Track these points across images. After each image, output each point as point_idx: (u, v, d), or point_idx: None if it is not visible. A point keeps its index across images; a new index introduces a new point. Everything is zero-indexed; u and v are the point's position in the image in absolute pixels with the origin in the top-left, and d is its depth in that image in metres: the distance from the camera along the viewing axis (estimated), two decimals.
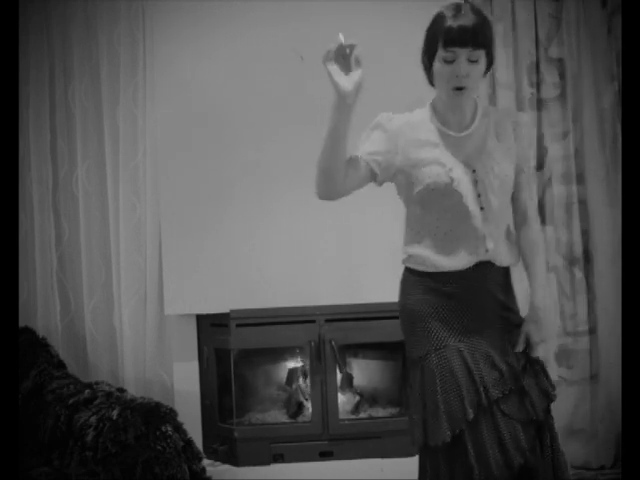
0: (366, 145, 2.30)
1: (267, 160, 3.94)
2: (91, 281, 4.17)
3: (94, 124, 4.17)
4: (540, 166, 4.12)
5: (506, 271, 2.35)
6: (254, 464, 3.85)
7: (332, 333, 3.86)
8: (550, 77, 4.11)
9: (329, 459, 3.85)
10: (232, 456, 3.91)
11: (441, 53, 2.17)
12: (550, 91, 4.12)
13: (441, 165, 2.24)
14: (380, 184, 2.32)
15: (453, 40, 2.14)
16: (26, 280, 4.15)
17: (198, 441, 3.77)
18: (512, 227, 2.38)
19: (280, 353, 4.12)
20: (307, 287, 3.89)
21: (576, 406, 4.08)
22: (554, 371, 4.09)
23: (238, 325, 3.87)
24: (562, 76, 4.12)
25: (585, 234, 4.14)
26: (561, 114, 4.11)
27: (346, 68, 2.16)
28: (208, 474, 3.32)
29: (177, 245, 3.94)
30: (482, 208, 2.25)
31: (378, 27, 3.95)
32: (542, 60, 4.11)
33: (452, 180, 2.23)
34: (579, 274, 4.10)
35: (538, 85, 4.12)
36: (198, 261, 3.93)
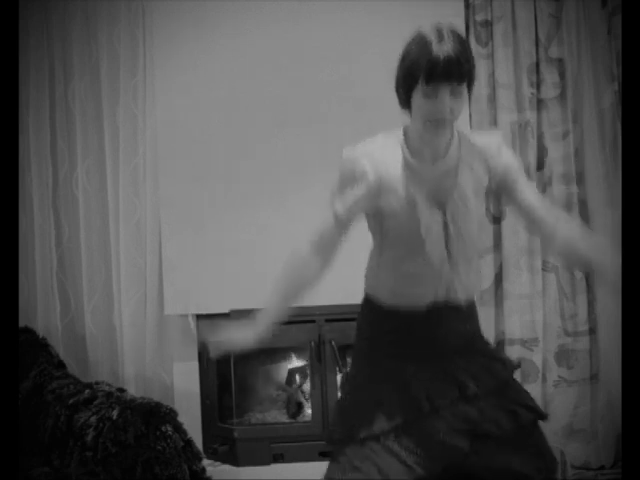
0: (346, 198, 2.13)
1: (267, 160, 3.94)
2: (91, 281, 4.17)
3: (94, 124, 4.17)
4: (540, 166, 4.12)
5: (466, 303, 2.23)
6: (254, 464, 3.85)
7: (332, 333, 3.85)
8: (550, 77, 4.11)
9: (329, 459, 3.84)
10: (232, 456, 3.91)
11: (422, 87, 1.97)
12: (550, 91, 4.12)
13: (410, 207, 2.08)
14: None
15: (437, 76, 1.94)
16: (26, 280, 4.15)
17: (198, 441, 3.77)
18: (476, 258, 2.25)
19: (280, 353, 4.12)
20: None
21: (576, 406, 4.08)
22: (554, 371, 4.09)
23: None
24: (562, 76, 4.11)
25: None
26: (561, 114, 4.11)
27: None
28: (208, 474, 3.32)
29: (177, 245, 3.94)
30: (449, 253, 2.12)
31: (378, 26, 3.95)
32: (542, 60, 4.11)
33: (419, 226, 2.08)
34: (579, 274, 4.10)
35: (538, 85, 4.11)
36: (198, 261, 3.93)
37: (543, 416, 2.20)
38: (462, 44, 1.98)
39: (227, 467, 3.90)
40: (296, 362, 4.10)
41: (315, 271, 2.14)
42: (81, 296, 4.19)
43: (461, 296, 2.18)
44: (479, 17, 4.08)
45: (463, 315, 2.22)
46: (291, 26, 3.96)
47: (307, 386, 4.02)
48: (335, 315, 3.87)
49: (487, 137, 2.20)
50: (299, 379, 4.07)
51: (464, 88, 1.99)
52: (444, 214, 2.10)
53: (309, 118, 3.94)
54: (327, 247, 2.15)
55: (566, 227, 2.19)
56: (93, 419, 3.18)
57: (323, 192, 3.92)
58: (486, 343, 2.32)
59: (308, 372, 3.98)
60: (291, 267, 2.16)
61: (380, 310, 2.23)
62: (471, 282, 2.22)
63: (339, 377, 3.95)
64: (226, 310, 3.88)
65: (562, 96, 4.12)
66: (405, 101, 2.04)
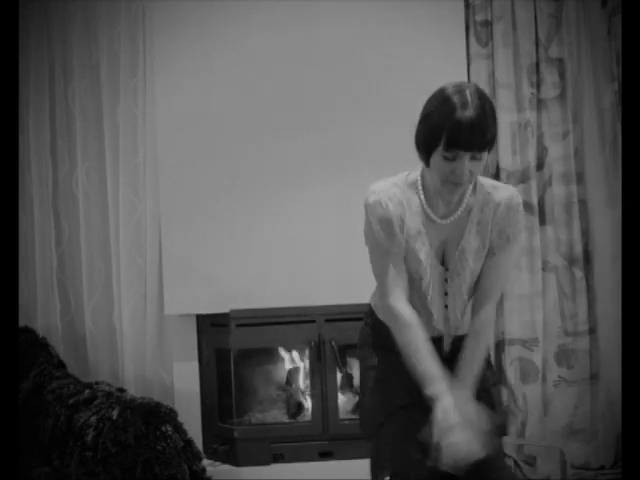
0: (392, 237, 2.17)
1: (267, 161, 3.94)
2: (91, 281, 4.17)
3: (94, 124, 4.17)
4: (540, 166, 4.13)
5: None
6: (254, 464, 3.85)
7: (332, 333, 3.86)
8: (550, 77, 4.11)
9: (329, 459, 3.85)
10: (232, 456, 3.91)
11: (442, 151, 1.98)
12: (550, 91, 4.12)
13: (420, 261, 2.16)
14: None
15: (459, 145, 1.95)
16: (26, 280, 4.15)
17: (198, 441, 3.77)
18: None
19: (280, 353, 4.12)
20: (307, 287, 3.89)
21: (576, 406, 4.08)
22: (554, 371, 4.09)
23: (238, 325, 3.87)
24: (562, 76, 4.12)
25: (585, 234, 4.14)
26: (561, 114, 4.12)
27: None
28: (208, 474, 3.32)
29: (177, 245, 3.94)
30: (446, 306, 2.22)
31: (378, 27, 3.95)
32: (542, 60, 4.11)
33: (422, 279, 2.17)
34: (579, 274, 4.10)
35: (538, 85, 4.12)
36: (198, 261, 3.93)
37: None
38: (485, 108, 1.96)
39: (227, 467, 3.90)
40: (296, 362, 4.10)
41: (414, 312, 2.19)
42: (81, 296, 4.19)
43: (461, 332, 2.27)
44: (479, 17, 4.08)
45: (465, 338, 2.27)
46: (291, 27, 3.96)
47: (307, 386, 4.02)
48: (335, 315, 3.87)
49: (503, 193, 2.19)
50: (299, 379, 4.07)
51: (484, 153, 2.01)
52: (446, 269, 2.18)
53: (309, 118, 3.94)
54: (405, 287, 2.18)
55: (482, 327, 2.22)
56: (93, 419, 3.18)
57: (323, 192, 3.95)
58: None
59: (308, 372, 3.98)
60: (405, 328, 2.16)
61: (386, 326, 2.28)
62: (469, 319, 2.27)
63: (339, 377, 3.95)
64: (226, 310, 3.88)
65: (562, 96, 4.12)
66: (424, 158, 2.06)
